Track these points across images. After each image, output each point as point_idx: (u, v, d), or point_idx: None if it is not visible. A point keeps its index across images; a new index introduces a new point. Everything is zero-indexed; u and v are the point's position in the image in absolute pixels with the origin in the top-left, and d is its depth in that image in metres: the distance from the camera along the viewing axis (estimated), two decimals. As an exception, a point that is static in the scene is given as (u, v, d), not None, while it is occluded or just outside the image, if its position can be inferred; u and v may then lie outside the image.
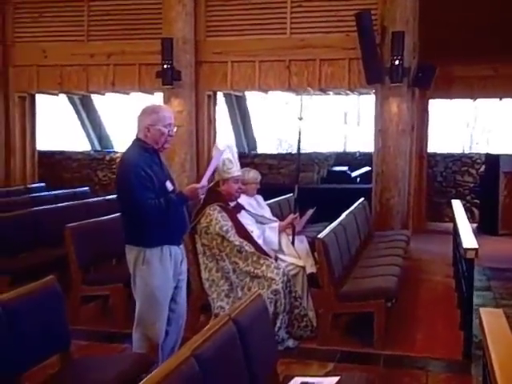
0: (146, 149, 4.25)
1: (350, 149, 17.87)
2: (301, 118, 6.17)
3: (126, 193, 4.16)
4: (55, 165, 12.84)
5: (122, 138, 16.70)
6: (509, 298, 7.01)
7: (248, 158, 12.41)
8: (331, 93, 13.31)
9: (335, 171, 12.79)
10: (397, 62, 9.22)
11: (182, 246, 4.43)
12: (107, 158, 12.98)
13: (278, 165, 12.12)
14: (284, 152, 13.16)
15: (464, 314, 5.46)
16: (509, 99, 12.57)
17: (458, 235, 6.00)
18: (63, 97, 12.95)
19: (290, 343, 5.38)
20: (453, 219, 7.89)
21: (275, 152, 14.48)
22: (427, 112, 11.61)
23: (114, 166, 12.86)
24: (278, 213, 7.73)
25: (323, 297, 5.47)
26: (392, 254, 6.79)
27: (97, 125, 14.13)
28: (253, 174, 6.40)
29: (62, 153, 13.31)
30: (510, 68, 10.87)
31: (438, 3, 10.22)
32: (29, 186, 10.88)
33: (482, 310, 3.22)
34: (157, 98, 10.83)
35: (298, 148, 6.36)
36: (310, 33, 10.02)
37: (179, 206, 4.28)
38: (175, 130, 4.40)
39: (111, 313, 6.01)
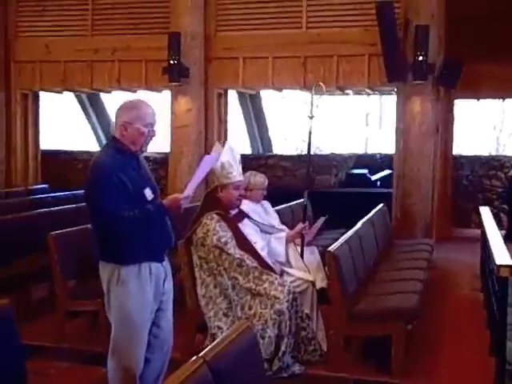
0: (122, 150, 3.65)
1: (372, 151, 17.20)
2: (312, 117, 5.54)
3: (96, 202, 3.56)
4: (60, 165, 12.28)
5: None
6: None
7: (261, 159, 11.79)
8: (351, 92, 12.70)
9: (354, 174, 12.12)
10: (420, 58, 8.57)
11: (165, 263, 3.83)
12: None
13: (293, 167, 11.48)
14: (300, 154, 12.52)
15: (496, 338, 4.79)
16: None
17: (489, 248, 5.32)
18: (70, 94, 12.44)
19: (296, 369, 4.75)
20: (481, 228, 7.22)
21: (294, 153, 13.84)
22: (452, 112, 10.89)
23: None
24: (290, 220, 7.09)
25: (334, 317, 4.83)
26: (414, 267, 6.12)
27: (105, 124, 13.58)
28: (259, 179, 5.75)
29: (67, 153, 12.78)
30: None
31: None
32: (30, 187, 10.35)
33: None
34: (164, 96, 10.25)
35: (309, 149, 5.73)
36: (326, 27, 9.41)
37: (159, 218, 3.68)
38: (156, 130, 3.80)
39: (99, 330, 5.43)
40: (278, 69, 9.56)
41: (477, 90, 10.79)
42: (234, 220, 5.02)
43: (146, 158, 12.28)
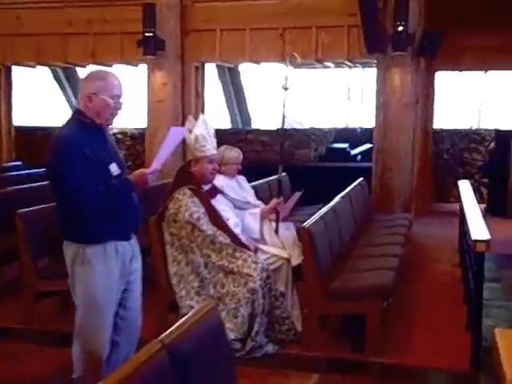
0: (86, 124, 3.50)
1: (353, 125, 17.07)
2: (286, 89, 5.39)
3: (58, 178, 3.41)
4: (36, 142, 12.00)
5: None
6: (520, 290, 6.27)
7: (241, 134, 11.62)
8: (332, 65, 12.51)
9: (334, 148, 11.99)
10: (400, 29, 8.40)
11: (133, 242, 3.69)
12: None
13: (272, 141, 11.31)
14: (279, 128, 12.30)
15: (471, 314, 4.73)
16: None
17: (466, 223, 5.24)
18: (46, 69, 12.15)
19: (270, 348, 4.66)
20: (459, 202, 7.14)
21: (273, 128, 13.70)
22: (433, 84, 10.77)
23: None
24: (267, 195, 6.97)
25: (308, 295, 4.73)
26: (391, 243, 6.03)
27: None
28: (233, 153, 5.63)
29: (43, 129, 12.49)
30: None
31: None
32: (4, 164, 10.12)
33: (497, 331, 2.49)
34: (141, 71, 10.03)
35: (283, 122, 5.60)
36: (305, -3, 9.19)
37: (125, 195, 3.54)
38: (122, 103, 3.64)
39: (69, 310, 5.29)
40: (255, 41, 9.35)
41: (458, 61, 10.66)
42: (206, 195, 4.91)
43: (124, 133, 12.11)
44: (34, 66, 10.62)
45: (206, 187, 4.95)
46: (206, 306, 2.78)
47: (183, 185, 4.79)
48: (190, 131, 4.78)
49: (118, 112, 3.66)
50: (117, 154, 3.72)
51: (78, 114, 3.55)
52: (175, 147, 3.69)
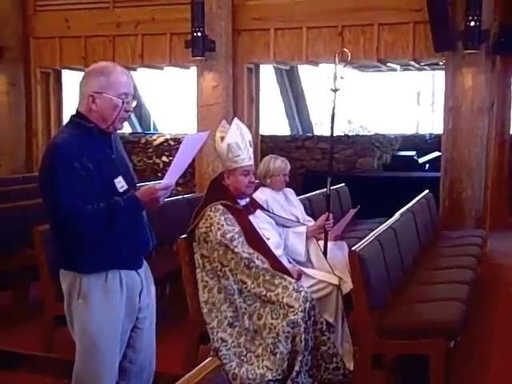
0: (88, 129, 2.91)
1: (423, 132, 16.20)
2: (336, 90, 4.69)
3: (50, 192, 2.81)
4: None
5: (165, 119, 15.53)
6: None
7: (298, 141, 10.92)
8: (398, 68, 11.73)
9: (400, 156, 11.20)
10: (472, 24, 7.55)
11: (143, 271, 3.07)
12: (143, 140, 11.70)
13: (334, 148, 10.60)
14: (340, 135, 11.55)
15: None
16: None
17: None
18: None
19: (314, 390, 3.97)
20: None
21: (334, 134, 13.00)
22: (510, 87, 9.82)
23: (151, 150, 11.59)
24: (323, 209, 6.27)
25: (359, 331, 4.02)
26: (461, 266, 5.24)
27: (137, 104, 12.92)
28: (279, 163, 4.98)
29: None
30: None
31: None
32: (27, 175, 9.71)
33: None
34: (193, 73, 9.49)
35: (332, 127, 4.91)
36: (366, -9, 8.44)
37: (131, 214, 2.91)
38: (134, 104, 3.04)
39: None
40: (312, 40, 8.64)
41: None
42: (243, 212, 4.26)
43: (176, 139, 11.58)
44: (82, 70, 10.22)
45: (243, 202, 4.31)
46: (210, 363, 2.16)
47: (216, 200, 4.18)
48: (222, 139, 4.17)
49: (128, 115, 3.07)
50: (126, 166, 3.10)
51: (78, 117, 2.96)
52: (192, 158, 3.06)
